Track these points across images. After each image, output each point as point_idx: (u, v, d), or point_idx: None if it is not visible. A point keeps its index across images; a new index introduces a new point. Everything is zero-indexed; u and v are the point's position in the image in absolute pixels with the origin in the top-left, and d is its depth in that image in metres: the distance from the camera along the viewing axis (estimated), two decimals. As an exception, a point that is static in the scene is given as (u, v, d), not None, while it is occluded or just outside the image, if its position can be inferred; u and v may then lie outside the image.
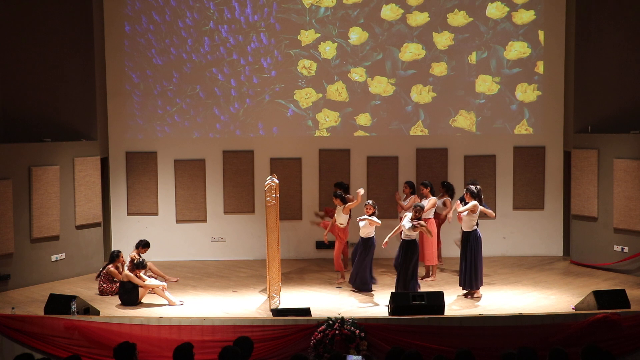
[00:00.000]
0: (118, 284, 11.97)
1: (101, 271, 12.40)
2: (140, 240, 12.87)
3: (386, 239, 11.72)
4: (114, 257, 12.40)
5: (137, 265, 11.68)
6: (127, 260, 12.33)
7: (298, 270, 13.80)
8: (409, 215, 11.64)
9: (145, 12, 14.63)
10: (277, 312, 10.35)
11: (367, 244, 12.07)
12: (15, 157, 12.89)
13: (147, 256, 13.12)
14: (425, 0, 14.57)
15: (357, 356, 9.35)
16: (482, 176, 14.60)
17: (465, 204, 11.76)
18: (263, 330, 9.79)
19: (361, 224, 12.06)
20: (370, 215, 11.99)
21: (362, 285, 12.11)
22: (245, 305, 11.51)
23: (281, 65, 14.69)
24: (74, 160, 13.62)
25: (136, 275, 11.58)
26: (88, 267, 13.71)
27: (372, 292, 12.03)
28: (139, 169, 14.79)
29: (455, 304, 11.35)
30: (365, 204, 12.16)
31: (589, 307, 10.31)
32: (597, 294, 10.36)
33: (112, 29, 14.61)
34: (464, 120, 14.74)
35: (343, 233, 12.79)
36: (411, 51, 14.64)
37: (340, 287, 12.44)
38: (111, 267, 12.28)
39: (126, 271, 11.69)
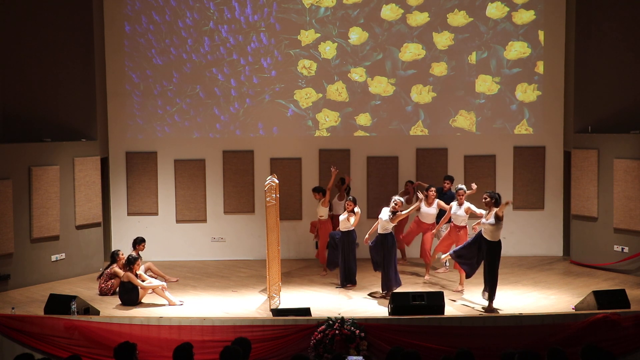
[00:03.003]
0: (114, 282, 11.99)
1: (103, 272, 12.33)
2: (136, 239, 12.78)
3: (366, 235, 11.86)
4: (115, 257, 12.33)
5: (128, 262, 11.65)
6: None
7: (298, 270, 13.81)
8: (386, 208, 11.64)
9: (145, 12, 14.63)
10: (277, 312, 10.35)
11: (349, 238, 12.25)
12: (15, 157, 12.88)
13: (148, 256, 13.14)
14: (425, 0, 14.56)
15: (358, 357, 9.36)
16: (482, 176, 14.60)
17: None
18: (263, 330, 9.80)
19: (341, 217, 12.32)
20: (350, 211, 12.17)
21: (348, 277, 12.32)
22: (245, 305, 11.50)
23: (281, 65, 14.68)
24: (74, 160, 13.62)
25: (135, 275, 11.57)
26: (88, 267, 13.72)
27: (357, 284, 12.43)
28: (139, 169, 14.79)
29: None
30: (347, 200, 12.31)
31: (589, 307, 10.32)
32: (597, 294, 10.37)
33: (112, 29, 14.61)
34: (464, 120, 14.74)
35: (324, 226, 12.95)
36: (411, 51, 14.64)
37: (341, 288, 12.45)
38: (116, 267, 12.19)
39: (126, 272, 11.66)
